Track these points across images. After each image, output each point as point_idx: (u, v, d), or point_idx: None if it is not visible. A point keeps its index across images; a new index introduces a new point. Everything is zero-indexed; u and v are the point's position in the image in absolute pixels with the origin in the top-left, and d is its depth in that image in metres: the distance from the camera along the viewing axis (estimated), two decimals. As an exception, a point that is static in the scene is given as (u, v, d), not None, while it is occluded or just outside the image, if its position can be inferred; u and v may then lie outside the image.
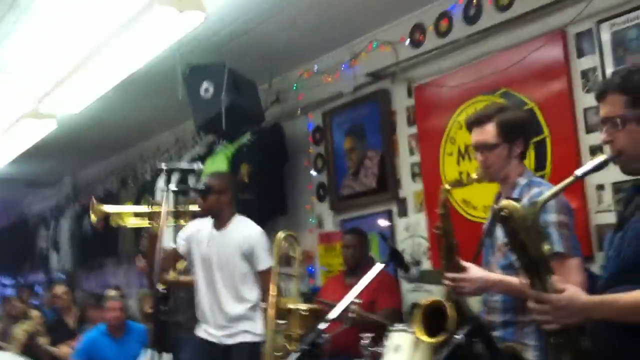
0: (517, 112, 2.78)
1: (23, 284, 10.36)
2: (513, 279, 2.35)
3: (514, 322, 2.43)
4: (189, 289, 4.03)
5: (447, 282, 2.46)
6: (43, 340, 5.82)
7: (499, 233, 2.43)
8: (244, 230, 3.88)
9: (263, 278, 3.80)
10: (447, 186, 2.52)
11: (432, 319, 2.28)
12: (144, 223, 3.90)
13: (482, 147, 2.56)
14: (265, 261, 3.80)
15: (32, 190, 10.42)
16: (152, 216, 3.75)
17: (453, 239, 2.47)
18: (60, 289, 6.41)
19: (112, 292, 5.97)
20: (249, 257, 3.81)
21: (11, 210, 11.96)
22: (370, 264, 3.44)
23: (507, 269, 2.44)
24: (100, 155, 8.52)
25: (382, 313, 3.98)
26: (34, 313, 6.41)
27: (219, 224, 3.91)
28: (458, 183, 2.73)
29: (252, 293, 3.83)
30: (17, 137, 5.94)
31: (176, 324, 3.70)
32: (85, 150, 8.01)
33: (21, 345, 5.76)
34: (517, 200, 1.89)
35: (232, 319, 3.80)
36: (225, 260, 3.83)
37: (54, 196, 10.06)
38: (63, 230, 9.47)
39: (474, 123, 2.61)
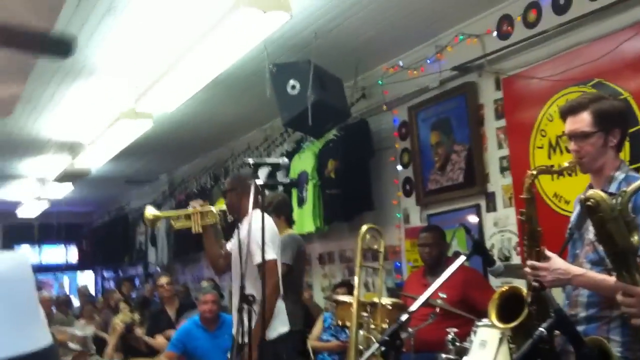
0: (613, 101, 2.67)
1: (122, 276, 10.82)
2: (597, 274, 2.27)
3: (598, 317, 2.35)
4: None
5: (526, 269, 2.42)
6: (140, 331, 6.07)
7: (590, 226, 2.35)
8: (248, 225, 3.70)
9: (261, 272, 3.59)
10: (533, 171, 2.47)
11: (510, 308, 2.24)
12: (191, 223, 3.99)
13: (576, 136, 2.48)
14: (257, 255, 3.62)
15: (131, 187, 10.88)
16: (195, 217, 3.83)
17: (537, 226, 2.42)
18: (164, 280, 6.60)
19: (205, 284, 6.14)
20: (248, 252, 3.68)
21: (112, 206, 12.56)
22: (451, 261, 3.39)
23: (597, 263, 2.36)
24: (194, 153, 8.82)
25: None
26: (123, 305, 6.69)
27: (241, 221, 3.93)
28: (545, 169, 2.67)
29: (254, 290, 3.65)
30: (116, 136, 6.24)
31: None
32: (179, 148, 8.32)
33: (119, 335, 6.02)
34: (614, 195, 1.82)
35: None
36: (235, 257, 3.82)
37: (152, 193, 10.49)
38: (160, 226, 9.84)
39: (568, 111, 2.54)
